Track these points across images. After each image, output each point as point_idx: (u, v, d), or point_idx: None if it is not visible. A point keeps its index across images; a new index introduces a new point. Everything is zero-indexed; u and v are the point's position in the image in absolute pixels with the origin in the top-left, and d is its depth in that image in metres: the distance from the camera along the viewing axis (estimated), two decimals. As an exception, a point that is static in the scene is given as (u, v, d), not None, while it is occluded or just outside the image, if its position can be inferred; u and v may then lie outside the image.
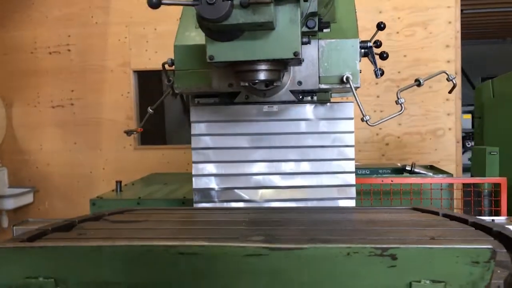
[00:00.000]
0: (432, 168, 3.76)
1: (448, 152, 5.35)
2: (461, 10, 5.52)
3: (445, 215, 1.73)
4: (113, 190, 3.31)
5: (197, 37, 2.06)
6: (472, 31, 10.05)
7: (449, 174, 3.71)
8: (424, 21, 5.31)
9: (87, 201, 5.80)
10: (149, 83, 6.42)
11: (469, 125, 8.89)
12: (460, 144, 5.43)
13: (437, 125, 5.35)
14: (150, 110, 2.51)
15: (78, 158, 5.83)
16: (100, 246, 1.08)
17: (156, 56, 5.62)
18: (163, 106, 7.73)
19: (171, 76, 2.34)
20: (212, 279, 1.09)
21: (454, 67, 5.21)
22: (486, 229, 1.44)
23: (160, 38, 5.59)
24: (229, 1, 1.39)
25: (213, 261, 1.06)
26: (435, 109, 5.32)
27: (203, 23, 1.49)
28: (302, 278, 1.06)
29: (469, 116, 9.05)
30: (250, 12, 1.45)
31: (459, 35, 5.29)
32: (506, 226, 1.50)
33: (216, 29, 1.53)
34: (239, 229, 1.56)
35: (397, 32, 5.32)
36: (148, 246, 1.05)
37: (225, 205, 2.20)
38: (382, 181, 3.02)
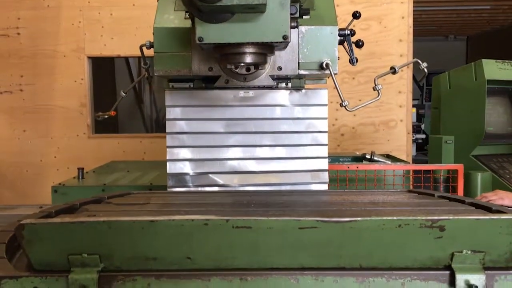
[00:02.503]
0: (388, 157, 3.90)
1: (400, 143, 5.56)
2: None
3: (441, 197, 1.81)
4: (74, 177, 3.21)
5: (176, 20, 2.03)
6: (417, 28, 10.46)
7: (407, 162, 3.88)
8: (379, 16, 5.47)
9: (37, 190, 5.65)
10: (101, 69, 6.27)
11: (413, 118, 9.26)
12: (411, 135, 5.66)
13: (390, 116, 5.54)
14: (123, 94, 2.46)
15: (28, 146, 5.59)
16: (153, 221, 1.07)
17: (112, 42, 5.47)
18: (115, 95, 7.55)
19: (148, 60, 2.31)
20: (265, 252, 1.12)
21: (406, 61, 5.40)
22: (486, 208, 1.52)
23: (116, 23, 5.44)
24: None
25: (267, 234, 1.08)
26: (388, 101, 5.49)
27: (195, 3, 1.48)
28: (354, 249, 1.11)
29: (413, 110, 9.43)
30: None
31: (411, 30, 5.49)
32: (503, 206, 1.60)
33: (208, 10, 1.53)
34: (254, 210, 1.57)
35: (354, 26, 5.44)
36: (206, 220, 1.06)
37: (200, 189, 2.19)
38: (348, 167, 3.11)
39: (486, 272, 1.10)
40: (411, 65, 5.69)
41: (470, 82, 3.54)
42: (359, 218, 1.04)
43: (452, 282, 1.10)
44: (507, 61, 3.60)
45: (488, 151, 3.62)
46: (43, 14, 5.48)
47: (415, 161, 6.97)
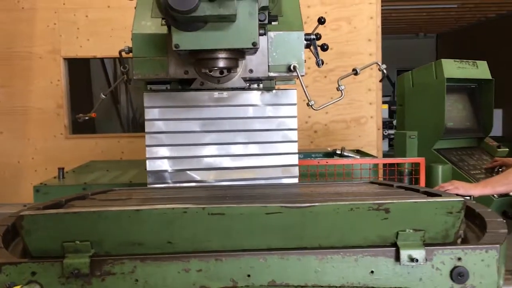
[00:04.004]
0: (358, 152, 4.09)
1: (370, 139, 5.76)
2: (379, 7, 5.94)
3: (399, 187, 1.98)
4: (55, 177, 3.29)
5: (153, 26, 2.14)
6: (388, 26, 10.73)
7: (375, 157, 4.08)
8: (348, 16, 5.66)
9: (16, 191, 5.67)
10: (76, 71, 6.30)
11: (385, 115, 9.51)
12: (381, 131, 5.87)
13: (360, 113, 5.73)
14: (103, 96, 2.57)
15: (5, 148, 5.61)
16: (138, 210, 1.21)
17: (88, 43, 5.53)
18: (91, 96, 7.58)
19: (126, 63, 2.43)
20: (237, 236, 1.27)
21: (375, 60, 5.60)
22: (437, 196, 1.70)
23: (92, 25, 5.51)
24: None
25: (238, 219, 1.24)
26: (358, 98, 5.69)
27: (171, 13, 1.61)
28: (313, 231, 1.27)
29: (385, 106, 9.69)
30: (215, 5, 1.59)
31: (379, 30, 5.70)
32: (452, 193, 1.79)
33: (183, 20, 1.66)
34: (228, 202, 1.70)
35: (324, 26, 5.61)
36: (185, 208, 1.20)
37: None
38: (318, 162, 3.28)
39: (426, 248, 1.28)
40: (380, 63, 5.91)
41: (431, 81, 3.76)
42: (316, 204, 1.20)
43: (397, 257, 1.28)
44: (465, 60, 3.83)
45: (448, 145, 3.85)
46: (18, 16, 5.50)
47: (387, 156, 7.20)
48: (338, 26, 5.66)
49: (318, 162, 3.29)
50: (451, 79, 3.68)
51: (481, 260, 1.28)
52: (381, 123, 5.89)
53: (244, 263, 1.27)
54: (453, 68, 3.73)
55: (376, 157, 3.93)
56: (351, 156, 3.77)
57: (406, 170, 3.53)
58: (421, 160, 3.30)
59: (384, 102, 8.71)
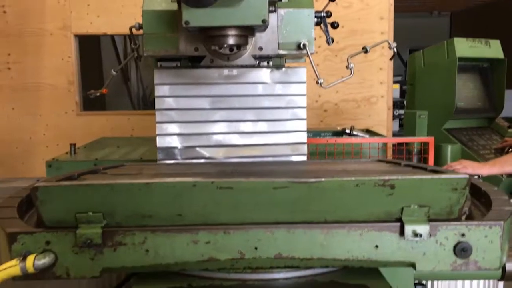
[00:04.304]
0: (368, 131, 4.09)
1: (380, 118, 5.75)
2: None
3: (406, 165, 1.98)
4: (66, 153, 3.34)
5: (163, 3, 2.14)
6: (401, 4, 10.57)
7: (384, 136, 4.08)
8: (360, -7, 5.59)
9: (27, 167, 5.76)
10: (87, 48, 6.33)
11: (397, 94, 9.44)
12: (391, 111, 5.85)
13: (371, 92, 5.71)
14: (113, 72, 2.58)
15: (17, 124, 5.68)
16: (149, 183, 1.24)
17: (98, 20, 5.53)
18: (101, 73, 7.62)
19: (137, 40, 2.44)
20: (245, 209, 1.30)
21: (387, 38, 5.55)
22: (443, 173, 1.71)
23: (102, 2, 5.49)
24: None
25: (246, 193, 1.26)
26: (369, 77, 5.65)
27: None
28: (319, 206, 1.30)
29: (397, 86, 9.61)
30: None
31: (392, 7, 5.63)
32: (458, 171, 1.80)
33: None
34: (237, 177, 1.73)
35: (336, 3, 5.55)
36: (194, 182, 1.23)
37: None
38: (327, 141, 3.29)
39: (430, 223, 1.30)
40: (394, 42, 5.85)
41: (442, 60, 3.73)
42: (323, 179, 1.23)
43: (401, 232, 1.30)
44: (477, 39, 3.79)
45: (459, 125, 3.84)
46: (29, -8, 5.51)
47: (397, 136, 7.20)
48: (350, 4, 5.59)
49: (327, 141, 3.30)
50: (463, 58, 3.66)
51: (484, 236, 1.30)
52: (392, 103, 5.86)
53: (252, 235, 1.30)
54: (465, 47, 3.70)
55: (385, 136, 3.93)
56: (360, 135, 3.77)
57: (415, 150, 3.54)
58: (430, 140, 3.30)
59: (395, 82, 8.64)
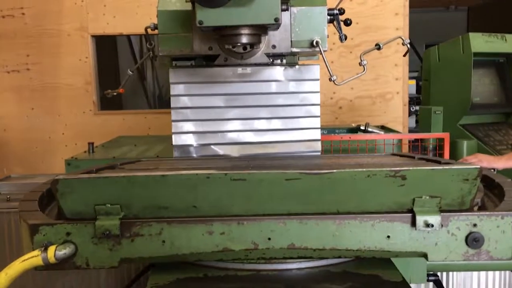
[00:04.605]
0: (383, 128, 4.07)
1: (396, 114, 5.71)
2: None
3: (420, 158, 1.99)
4: (85, 152, 3.40)
5: (177, 3, 2.17)
6: (417, -1, 10.48)
7: (399, 132, 4.06)
8: (375, -11, 5.57)
9: (47, 166, 5.84)
10: (103, 48, 6.40)
11: (413, 91, 9.35)
12: (407, 107, 5.81)
13: (386, 89, 5.67)
14: (130, 72, 2.63)
15: (36, 124, 5.79)
16: (164, 175, 1.28)
17: (115, 21, 5.59)
18: (118, 73, 7.70)
19: (153, 40, 2.48)
20: (258, 201, 1.33)
21: (402, 34, 5.51)
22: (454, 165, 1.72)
23: (118, 2, 5.56)
24: None
25: (259, 185, 1.30)
26: (384, 74, 5.62)
27: None
28: (331, 197, 1.33)
29: (413, 82, 9.52)
30: None
31: (407, 3, 5.59)
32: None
33: None
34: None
35: (350, 0, 5.57)
36: (208, 174, 1.27)
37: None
38: (341, 138, 3.29)
39: (442, 214, 1.32)
40: (407, 38, 5.83)
41: (457, 55, 3.71)
42: (334, 170, 1.25)
43: (413, 222, 1.32)
44: (493, 34, 3.76)
45: (475, 121, 3.81)
46: (46, -6, 5.61)
47: (414, 132, 7.12)
48: (365, 0, 5.57)
49: (341, 138, 3.29)
50: (479, 53, 3.62)
51: (496, 227, 1.31)
52: (407, 99, 5.82)
53: (265, 227, 1.33)
54: (480, 42, 3.66)
55: (400, 132, 3.91)
56: (375, 132, 3.76)
57: (431, 146, 3.51)
58: (446, 136, 3.28)
59: (411, 78, 8.56)
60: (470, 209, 1.34)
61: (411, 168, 1.27)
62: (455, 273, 2.49)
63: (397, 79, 5.65)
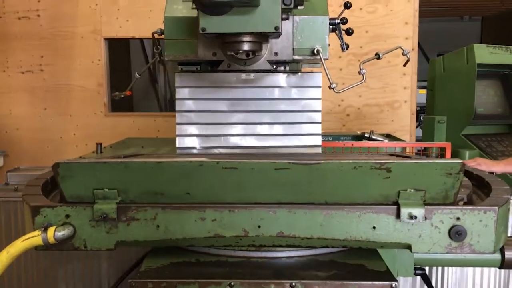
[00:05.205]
0: (388, 136, 4.10)
1: (404, 123, 5.72)
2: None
3: (416, 159, 2.03)
4: (93, 152, 3.47)
5: (184, 10, 2.23)
6: (431, 9, 10.49)
7: (403, 141, 4.09)
8: (385, -1, 5.62)
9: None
10: (116, 51, 6.52)
11: (423, 100, 9.26)
12: (415, 116, 5.81)
13: (394, 97, 5.69)
14: (137, 75, 2.69)
15: (48, 124, 5.90)
16: (159, 162, 1.34)
17: (127, 24, 5.70)
18: (130, 76, 7.83)
19: (159, 45, 2.54)
20: (249, 189, 1.39)
21: (411, 44, 5.54)
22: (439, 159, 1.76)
23: (131, 6, 5.67)
24: None
25: (250, 174, 1.35)
26: (392, 82, 5.64)
27: None
28: (319, 187, 1.37)
29: (423, 91, 9.47)
30: None
31: (417, 13, 5.62)
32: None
33: (210, 5, 1.75)
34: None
35: (360, 9, 5.61)
36: (201, 162, 1.32)
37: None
38: (344, 145, 3.31)
39: (426, 207, 1.36)
40: (416, 47, 5.87)
41: (462, 66, 3.74)
42: (322, 161, 1.30)
43: (398, 214, 1.36)
44: (498, 46, 3.79)
45: (478, 131, 3.83)
46: (62, -2, 5.74)
47: (420, 141, 7.10)
48: (375, 9, 5.61)
49: (344, 145, 3.32)
50: (483, 64, 3.66)
51: (479, 221, 1.35)
52: (415, 108, 5.83)
53: (255, 215, 1.39)
54: (485, 54, 3.70)
55: (404, 141, 3.94)
56: (378, 140, 3.79)
57: (433, 155, 3.55)
58: (447, 145, 3.30)
59: (422, 87, 8.56)
60: (454, 203, 1.38)
61: (396, 161, 1.31)
62: (450, 273, 2.53)
63: (405, 88, 5.67)
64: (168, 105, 8.25)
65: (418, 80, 5.84)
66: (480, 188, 1.65)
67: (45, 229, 1.38)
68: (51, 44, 5.78)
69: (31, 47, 5.80)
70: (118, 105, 6.11)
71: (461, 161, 1.31)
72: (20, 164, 5.96)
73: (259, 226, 1.39)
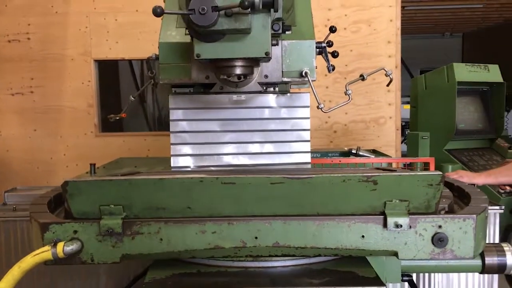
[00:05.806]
0: (374, 152, 4.23)
1: (389, 138, 5.84)
2: (403, 7, 6.02)
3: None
4: (87, 172, 3.53)
5: (177, 36, 2.32)
6: (413, 26, 10.77)
7: (389, 156, 4.22)
8: (368, 19, 5.74)
9: (48, 185, 5.92)
10: (105, 72, 6.59)
11: (408, 115, 9.47)
12: (400, 131, 5.95)
13: (380, 114, 5.81)
14: (132, 98, 2.78)
15: (38, 145, 5.93)
16: (162, 179, 1.44)
17: (117, 46, 5.79)
18: (119, 96, 7.90)
19: (154, 69, 2.63)
20: (246, 203, 1.49)
21: (394, 61, 5.68)
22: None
23: (120, 28, 5.76)
24: (217, 12, 1.72)
25: (247, 188, 1.45)
26: (378, 99, 5.75)
27: (194, 27, 1.80)
28: (312, 200, 1.48)
29: (408, 106, 9.69)
30: (232, 20, 1.78)
31: (399, 32, 5.80)
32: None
33: (204, 33, 1.85)
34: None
35: (345, 28, 5.78)
36: (201, 178, 1.42)
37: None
38: (332, 161, 3.42)
39: (410, 216, 1.47)
40: (399, 65, 6.04)
41: (443, 84, 3.91)
42: (313, 175, 1.41)
43: (385, 224, 1.47)
44: (476, 64, 3.97)
45: (460, 146, 3.98)
46: (52, 20, 5.77)
47: (406, 156, 7.25)
48: (358, 28, 5.77)
49: (332, 161, 3.42)
50: (463, 82, 3.82)
51: (459, 228, 1.46)
52: (400, 124, 5.98)
53: (252, 226, 1.49)
54: (464, 72, 3.87)
55: (390, 156, 4.06)
56: (365, 156, 3.91)
57: (418, 169, 3.67)
58: (431, 160, 3.43)
59: (406, 103, 8.75)
60: (436, 212, 1.50)
61: (381, 174, 1.43)
62: (436, 279, 2.65)
63: (390, 104, 5.79)
64: (157, 124, 8.32)
65: (402, 96, 6.01)
66: (460, 198, 1.77)
67: (55, 245, 1.46)
68: (41, 66, 5.83)
69: (21, 69, 5.84)
70: (108, 125, 6.16)
71: (440, 173, 1.43)
72: (10, 185, 5.98)
73: (256, 237, 1.48)
